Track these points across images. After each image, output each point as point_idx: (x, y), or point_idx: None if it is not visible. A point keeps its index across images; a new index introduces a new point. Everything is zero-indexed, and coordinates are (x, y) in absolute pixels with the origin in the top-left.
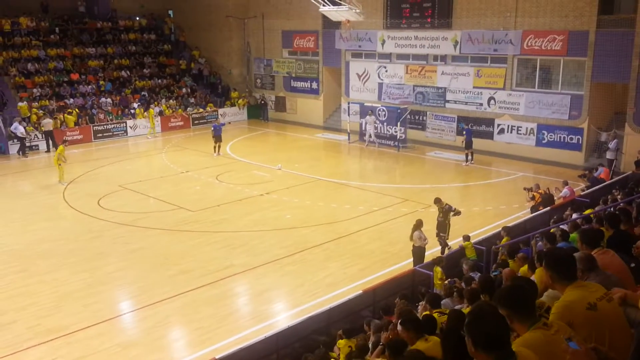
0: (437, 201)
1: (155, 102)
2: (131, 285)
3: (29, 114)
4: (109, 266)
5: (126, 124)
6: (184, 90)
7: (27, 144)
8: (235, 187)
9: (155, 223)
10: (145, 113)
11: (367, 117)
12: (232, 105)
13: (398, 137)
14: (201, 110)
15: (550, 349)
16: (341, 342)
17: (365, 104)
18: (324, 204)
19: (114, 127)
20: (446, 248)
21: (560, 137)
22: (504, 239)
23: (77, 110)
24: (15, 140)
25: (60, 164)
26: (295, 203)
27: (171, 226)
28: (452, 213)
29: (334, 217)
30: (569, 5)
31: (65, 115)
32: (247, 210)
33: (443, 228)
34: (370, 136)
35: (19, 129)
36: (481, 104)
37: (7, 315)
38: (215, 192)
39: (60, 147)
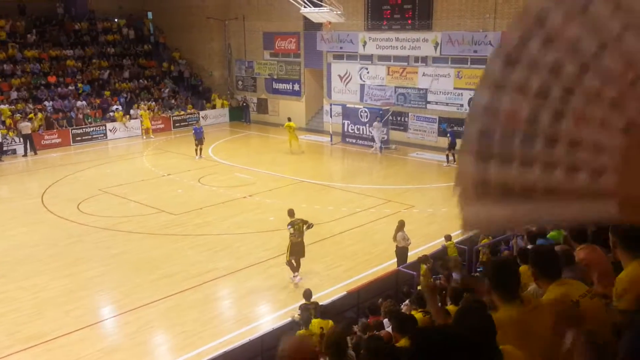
0: (291, 214)
1: (136, 105)
2: (113, 290)
3: (9, 115)
4: (90, 271)
5: (106, 127)
6: (164, 92)
7: (5, 148)
8: (218, 189)
9: (137, 227)
10: (127, 115)
11: (375, 122)
12: (213, 107)
13: (380, 138)
14: (182, 112)
15: (525, 327)
16: (314, 322)
17: (363, 108)
18: (307, 206)
19: (93, 131)
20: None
21: None
22: (485, 239)
23: (41, 114)
24: None
25: None
26: (278, 205)
27: (153, 230)
28: (305, 227)
29: (318, 219)
30: None
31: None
32: (230, 213)
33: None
34: (378, 142)
35: None
36: (462, 105)
37: None
38: (198, 195)
39: None
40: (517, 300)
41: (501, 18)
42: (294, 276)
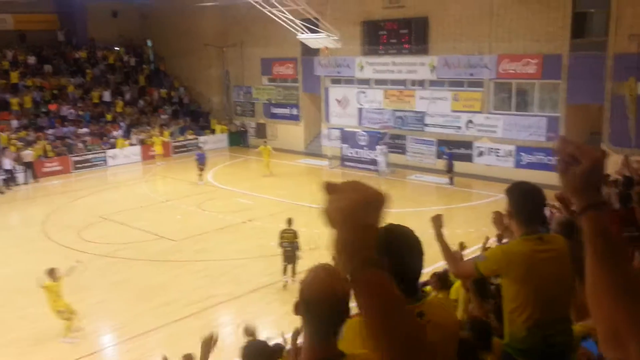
0: (288, 222)
1: (136, 130)
2: (114, 318)
3: (7, 145)
4: (90, 299)
5: (106, 153)
6: (164, 118)
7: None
8: (218, 215)
9: (137, 254)
10: (127, 140)
11: (377, 146)
12: (212, 132)
13: (378, 161)
14: (181, 137)
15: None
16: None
17: (362, 131)
18: (307, 230)
19: (93, 157)
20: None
21: (538, 158)
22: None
23: (42, 142)
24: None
25: None
26: (278, 230)
27: (153, 256)
28: (296, 240)
29: (318, 243)
30: (542, 30)
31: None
32: (230, 238)
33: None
34: (383, 166)
35: (5, 161)
36: (459, 127)
37: None
38: (197, 221)
39: None
40: (536, 236)
41: (496, 41)
42: (284, 278)
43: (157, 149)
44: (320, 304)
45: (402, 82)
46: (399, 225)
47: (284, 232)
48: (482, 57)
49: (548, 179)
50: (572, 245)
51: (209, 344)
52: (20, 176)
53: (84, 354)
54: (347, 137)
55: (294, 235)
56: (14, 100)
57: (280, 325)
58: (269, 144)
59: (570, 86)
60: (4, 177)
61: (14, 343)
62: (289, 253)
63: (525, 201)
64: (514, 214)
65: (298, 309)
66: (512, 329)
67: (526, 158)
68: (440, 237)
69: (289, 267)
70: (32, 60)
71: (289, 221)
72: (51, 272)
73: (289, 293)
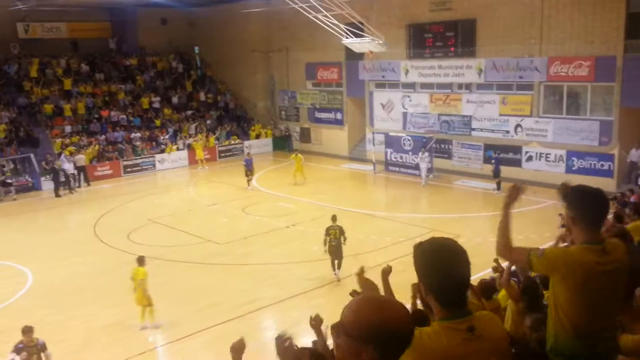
0: (333, 219)
1: (185, 134)
2: (160, 320)
3: (60, 150)
4: None
5: (154, 158)
6: (209, 123)
7: (62, 180)
8: (262, 219)
9: (183, 256)
10: (175, 145)
11: (420, 154)
12: (257, 137)
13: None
14: (226, 142)
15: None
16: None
17: (406, 136)
18: (351, 235)
19: (142, 162)
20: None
21: (590, 163)
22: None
23: (94, 147)
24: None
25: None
26: (321, 234)
27: (199, 259)
28: (343, 237)
29: (361, 249)
30: (595, 31)
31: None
32: (274, 242)
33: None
34: (423, 173)
35: (65, 165)
36: (508, 132)
37: None
38: (242, 225)
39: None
40: (600, 247)
41: (547, 43)
42: (334, 273)
43: (198, 154)
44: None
45: (448, 86)
46: (438, 239)
47: (329, 228)
48: (532, 60)
49: (600, 184)
50: (632, 255)
51: (237, 349)
52: (74, 180)
53: (131, 354)
54: (392, 142)
55: (340, 231)
56: (67, 107)
57: (323, 330)
58: (312, 147)
59: (625, 89)
60: (63, 180)
61: (64, 342)
62: (335, 248)
63: (589, 206)
64: (577, 220)
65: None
66: (556, 332)
67: (578, 163)
68: (507, 207)
69: (336, 262)
70: (84, 67)
71: (334, 218)
72: (141, 260)
73: (332, 299)
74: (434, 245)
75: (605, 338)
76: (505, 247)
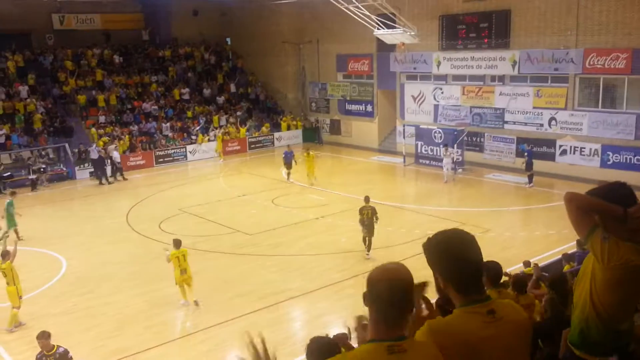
0: (366, 200)
1: (216, 124)
2: (190, 308)
3: (96, 140)
4: (168, 288)
5: (186, 149)
6: (240, 114)
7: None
8: (291, 210)
9: (213, 246)
10: (206, 136)
11: (443, 150)
12: (288, 128)
13: (455, 159)
14: (257, 133)
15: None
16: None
17: (437, 129)
18: (380, 228)
19: (174, 152)
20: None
21: (626, 158)
22: (565, 267)
23: (127, 137)
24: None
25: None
26: (350, 226)
27: (228, 249)
28: (375, 217)
29: (390, 241)
30: (633, 23)
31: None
32: (303, 233)
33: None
34: (446, 169)
35: (114, 154)
36: (542, 125)
37: (72, 337)
38: (272, 216)
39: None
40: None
41: (583, 35)
42: (367, 254)
43: (218, 147)
44: (390, 288)
45: (481, 78)
46: (447, 231)
47: (362, 208)
48: (568, 51)
49: (636, 179)
50: None
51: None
52: (108, 169)
53: (162, 341)
54: (422, 134)
55: (372, 211)
56: (101, 97)
57: (351, 322)
58: (342, 139)
59: None
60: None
61: (97, 328)
62: (368, 227)
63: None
64: None
65: (366, 298)
66: (588, 324)
67: (613, 157)
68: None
69: (367, 239)
70: (117, 58)
71: (367, 199)
72: (177, 243)
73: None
74: (445, 237)
75: (629, 326)
76: (582, 199)
